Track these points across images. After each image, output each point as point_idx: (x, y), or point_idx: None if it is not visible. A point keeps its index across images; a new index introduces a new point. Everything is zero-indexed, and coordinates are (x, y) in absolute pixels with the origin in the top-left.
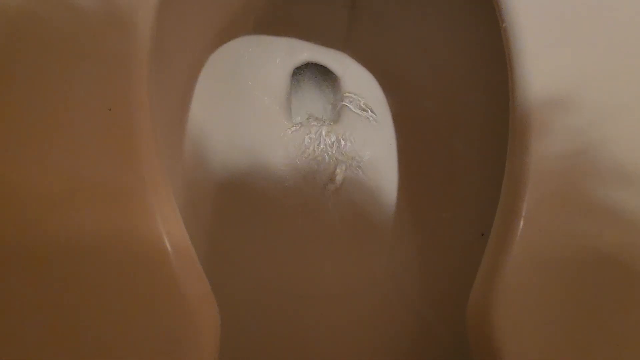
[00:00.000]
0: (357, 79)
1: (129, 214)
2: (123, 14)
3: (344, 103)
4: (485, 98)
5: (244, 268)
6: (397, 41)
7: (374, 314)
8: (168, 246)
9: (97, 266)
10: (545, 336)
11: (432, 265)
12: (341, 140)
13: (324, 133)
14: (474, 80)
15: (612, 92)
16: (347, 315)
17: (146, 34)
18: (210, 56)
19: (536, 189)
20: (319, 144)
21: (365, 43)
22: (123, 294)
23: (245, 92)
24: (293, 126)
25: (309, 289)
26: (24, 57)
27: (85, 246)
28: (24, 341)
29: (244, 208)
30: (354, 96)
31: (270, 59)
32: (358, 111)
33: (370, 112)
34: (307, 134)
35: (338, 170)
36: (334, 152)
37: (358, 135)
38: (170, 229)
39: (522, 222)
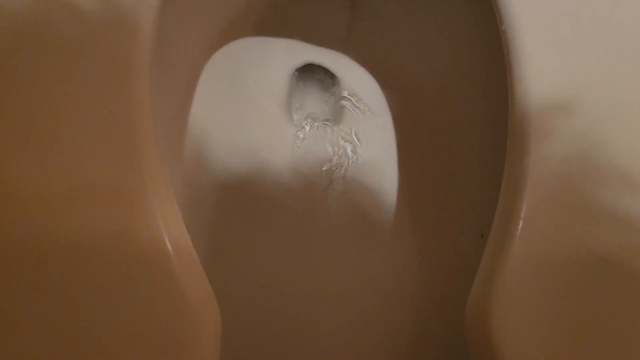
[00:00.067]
0: (357, 80)
1: (130, 215)
2: (125, 16)
3: (344, 104)
4: (485, 98)
5: (245, 268)
6: (397, 42)
7: (374, 314)
8: (169, 247)
9: (98, 267)
10: (543, 337)
11: (432, 266)
12: (341, 140)
13: (324, 133)
14: (473, 80)
15: (611, 95)
16: (347, 315)
17: (148, 36)
18: (211, 57)
19: (535, 190)
20: (319, 144)
21: (365, 44)
22: (124, 295)
23: (246, 93)
24: (293, 127)
25: (309, 289)
26: (27, 59)
27: (86, 247)
28: (24, 341)
29: (245, 208)
30: (354, 97)
31: (270, 60)
32: (358, 112)
33: (370, 113)
34: (308, 135)
35: (338, 171)
36: (334, 152)
37: (358, 135)
38: (171, 229)
39: (521, 223)
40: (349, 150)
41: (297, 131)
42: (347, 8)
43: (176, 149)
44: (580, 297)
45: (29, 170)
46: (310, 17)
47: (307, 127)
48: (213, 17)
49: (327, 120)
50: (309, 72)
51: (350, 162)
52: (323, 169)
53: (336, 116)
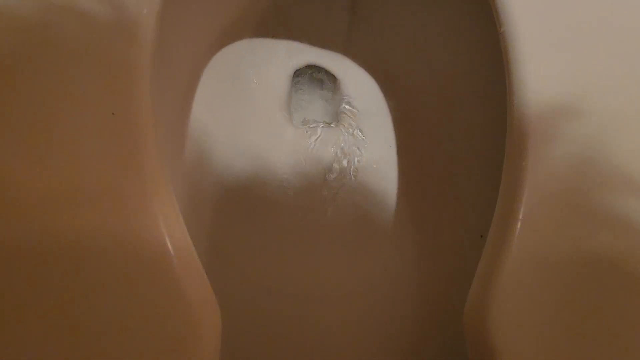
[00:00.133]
0: (357, 81)
1: (132, 216)
2: (126, 19)
3: (343, 105)
4: (484, 100)
5: (245, 269)
6: (397, 43)
7: (373, 314)
8: (170, 248)
9: (99, 267)
10: (541, 337)
11: (431, 266)
12: (341, 141)
13: (324, 134)
14: (473, 82)
15: (610, 96)
16: (347, 316)
17: (149, 38)
18: (212, 59)
19: (534, 191)
20: (320, 145)
21: (365, 45)
22: (125, 295)
23: (246, 93)
24: (293, 128)
25: (309, 289)
26: (29, 62)
27: (88, 248)
28: (26, 341)
29: (245, 209)
30: (353, 98)
31: (270, 61)
32: (358, 113)
33: (370, 114)
34: (308, 136)
35: (338, 172)
36: (334, 153)
37: (358, 136)
38: (172, 230)
39: (519, 224)
40: (349, 152)
41: (297, 132)
42: (347, 10)
43: (177, 149)
44: (578, 297)
45: (31, 171)
46: (310, 18)
47: (308, 128)
48: (214, 19)
49: (327, 121)
50: (309, 73)
51: (350, 163)
52: (323, 169)
53: (336, 117)
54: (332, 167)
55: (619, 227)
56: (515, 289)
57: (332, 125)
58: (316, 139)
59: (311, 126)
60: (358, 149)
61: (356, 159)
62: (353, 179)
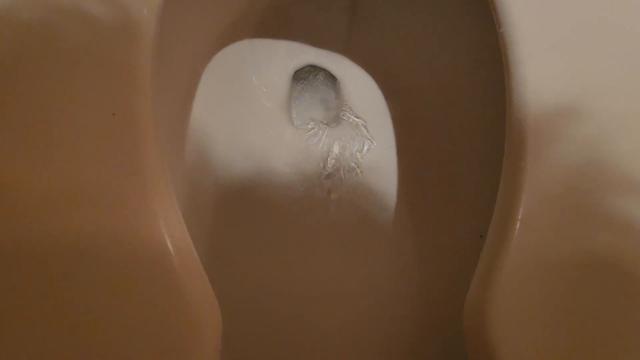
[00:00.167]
0: (357, 81)
1: (132, 216)
2: (127, 19)
3: (343, 105)
4: (484, 100)
5: (246, 269)
6: (397, 44)
7: (373, 314)
8: (170, 248)
9: (100, 267)
10: (540, 337)
11: (431, 266)
12: (341, 141)
13: (324, 135)
14: (473, 82)
15: (611, 97)
16: (347, 316)
17: (149, 39)
18: (212, 59)
19: (533, 191)
20: (320, 145)
21: (365, 46)
22: (126, 295)
23: (247, 94)
24: (293, 128)
25: (310, 289)
26: (30, 62)
27: (88, 248)
28: (26, 341)
29: (245, 209)
30: (353, 98)
31: (271, 61)
32: (358, 113)
33: (369, 114)
34: (308, 136)
35: (338, 172)
36: (334, 153)
37: (358, 137)
38: (172, 231)
39: (518, 224)
40: (349, 152)
41: (297, 132)
42: (347, 10)
43: (177, 149)
44: (577, 297)
45: (31, 171)
46: (310, 18)
47: (307, 129)
48: (214, 20)
49: (327, 121)
50: (309, 74)
51: (349, 163)
52: (323, 170)
53: (336, 117)
54: (331, 167)
55: (618, 227)
56: (515, 288)
57: (332, 125)
58: (316, 139)
59: (311, 126)
60: (358, 149)
61: (356, 159)
62: (353, 179)
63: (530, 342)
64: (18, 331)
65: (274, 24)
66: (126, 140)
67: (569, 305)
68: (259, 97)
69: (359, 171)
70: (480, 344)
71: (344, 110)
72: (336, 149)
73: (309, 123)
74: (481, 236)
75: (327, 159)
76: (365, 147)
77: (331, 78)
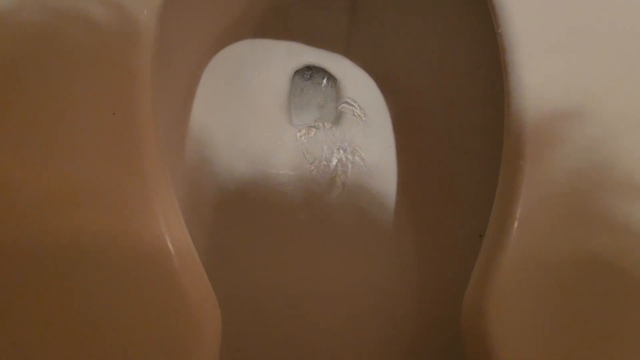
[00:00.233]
0: (356, 82)
1: (133, 216)
2: (127, 20)
3: (343, 105)
4: (484, 100)
5: (246, 269)
6: (397, 45)
7: (373, 315)
8: (170, 248)
9: (100, 267)
10: (537, 336)
11: (430, 266)
12: (341, 142)
13: (323, 135)
14: (473, 82)
15: (610, 99)
16: (347, 316)
17: (149, 39)
18: (212, 59)
19: (531, 191)
20: (319, 145)
21: (364, 46)
22: (126, 294)
23: (247, 94)
24: (293, 128)
25: (309, 289)
26: (31, 63)
27: (88, 247)
28: (26, 341)
29: (245, 209)
30: (353, 99)
31: (271, 61)
32: (358, 113)
33: (369, 115)
34: (307, 136)
35: (338, 172)
36: (333, 153)
37: (357, 137)
38: (172, 230)
39: (516, 224)
40: (348, 152)
41: (297, 132)
42: (347, 11)
43: (177, 149)
44: (574, 297)
45: (32, 171)
46: (310, 19)
47: (307, 129)
48: (214, 20)
49: (327, 121)
50: (309, 74)
51: (349, 163)
52: (322, 170)
53: (336, 118)
54: (331, 168)
55: (616, 228)
56: (512, 288)
57: (331, 125)
58: (316, 140)
59: (311, 127)
60: (357, 149)
61: (355, 159)
62: (352, 179)
63: (527, 341)
64: (18, 330)
65: (274, 25)
66: (126, 140)
67: (566, 304)
68: (258, 97)
69: (358, 171)
70: (478, 343)
71: (344, 110)
72: (335, 149)
73: (309, 123)
74: (480, 236)
75: (327, 159)
76: (365, 147)
77: (331, 78)
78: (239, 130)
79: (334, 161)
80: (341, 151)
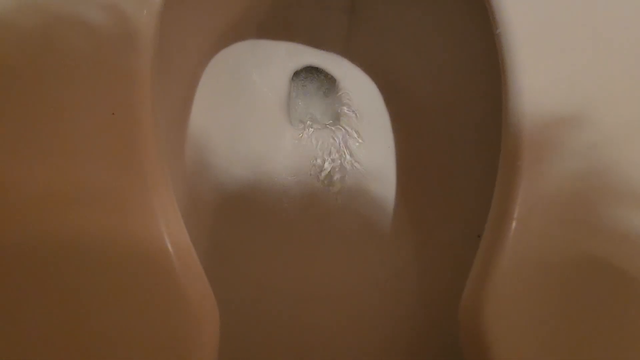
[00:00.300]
0: (356, 83)
1: (131, 215)
2: (126, 21)
3: (343, 106)
4: (484, 101)
5: (245, 269)
6: (396, 45)
7: (372, 315)
8: (169, 247)
9: (99, 266)
10: (535, 337)
11: (430, 267)
12: (340, 143)
13: (323, 136)
14: (472, 83)
15: (610, 103)
16: (346, 316)
17: (149, 40)
18: (212, 60)
19: (529, 191)
20: (319, 147)
21: (364, 47)
22: (125, 294)
23: (246, 95)
24: (293, 129)
25: (309, 289)
26: (31, 65)
27: (87, 247)
28: (27, 341)
29: (244, 210)
30: (353, 99)
31: (270, 62)
32: (357, 114)
33: (369, 116)
34: (307, 137)
35: (337, 173)
36: (333, 155)
37: (357, 138)
38: (171, 230)
39: (514, 224)
40: (348, 153)
41: (296, 133)
42: (346, 11)
43: (177, 149)
44: (572, 297)
45: (31, 171)
46: (310, 20)
47: (307, 130)
48: (214, 21)
49: (326, 122)
50: (309, 75)
51: (349, 164)
52: (322, 170)
53: (335, 119)
54: (331, 168)
55: (613, 229)
56: (510, 288)
57: (331, 126)
58: (315, 141)
59: (310, 128)
60: (357, 150)
61: (355, 160)
62: (351, 179)
63: (524, 341)
64: (17, 330)
65: (274, 25)
66: (126, 140)
67: (564, 305)
68: (258, 98)
69: (357, 172)
70: (475, 343)
71: (343, 111)
72: (335, 150)
73: (308, 124)
74: (478, 236)
75: (326, 159)
76: (364, 148)
77: (331, 79)
78: (238, 131)
79: (334, 161)
80: (340, 151)
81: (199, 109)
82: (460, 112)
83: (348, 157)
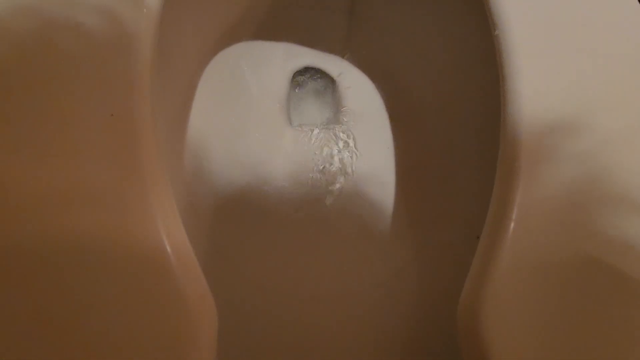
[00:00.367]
0: (355, 84)
1: (130, 216)
2: (125, 23)
3: (342, 107)
4: (483, 102)
5: (244, 270)
6: (396, 46)
7: (371, 315)
8: (168, 248)
9: (98, 266)
10: (533, 337)
11: (429, 268)
12: (339, 143)
13: (322, 137)
14: (472, 84)
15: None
16: (346, 316)
17: (147, 42)
18: (211, 61)
19: (526, 194)
20: (318, 147)
21: (363, 48)
22: (123, 294)
23: (245, 96)
24: (292, 130)
25: (308, 290)
26: (31, 67)
27: (87, 247)
28: (26, 341)
29: (244, 211)
30: (352, 100)
31: (269, 63)
32: (356, 115)
33: (368, 116)
34: (306, 138)
35: (337, 174)
36: (332, 155)
37: (356, 139)
38: (170, 231)
39: (512, 225)
40: (347, 153)
41: (295, 134)
42: (346, 13)
43: (176, 150)
44: (569, 298)
45: (31, 172)
46: (309, 21)
47: (306, 131)
48: (213, 23)
49: (325, 123)
50: (308, 76)
51: (348, 164)
52: (321, 171)
53: (335, 120)
54: (330, 169)
55: (609, 230)
56: (508, 289)
57: (330, 127)
58: (315, 142)
59: (310, 129)
60: (356, 151)
61: (354, 161)
62: (351, 181)
63: (522, 341)
64: (17, 330)
65: (273, 26)
66: (125, 141)
67: (562, 305)
68: (257, 99)
69: (356, 173)
70: (474, 344)
71: (342, 113)
72: (334, 151)
73: (308, 125)
74: (477, 237)
75: (326, 160)
76: (363, 149)
77: (330, 79)
78: (238, 132)
79: (333, 162)
80: (340, 152)
81: (198, 110)
82: (459, 113)
83: (347, 157)
